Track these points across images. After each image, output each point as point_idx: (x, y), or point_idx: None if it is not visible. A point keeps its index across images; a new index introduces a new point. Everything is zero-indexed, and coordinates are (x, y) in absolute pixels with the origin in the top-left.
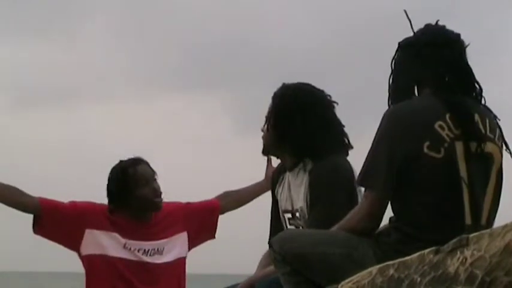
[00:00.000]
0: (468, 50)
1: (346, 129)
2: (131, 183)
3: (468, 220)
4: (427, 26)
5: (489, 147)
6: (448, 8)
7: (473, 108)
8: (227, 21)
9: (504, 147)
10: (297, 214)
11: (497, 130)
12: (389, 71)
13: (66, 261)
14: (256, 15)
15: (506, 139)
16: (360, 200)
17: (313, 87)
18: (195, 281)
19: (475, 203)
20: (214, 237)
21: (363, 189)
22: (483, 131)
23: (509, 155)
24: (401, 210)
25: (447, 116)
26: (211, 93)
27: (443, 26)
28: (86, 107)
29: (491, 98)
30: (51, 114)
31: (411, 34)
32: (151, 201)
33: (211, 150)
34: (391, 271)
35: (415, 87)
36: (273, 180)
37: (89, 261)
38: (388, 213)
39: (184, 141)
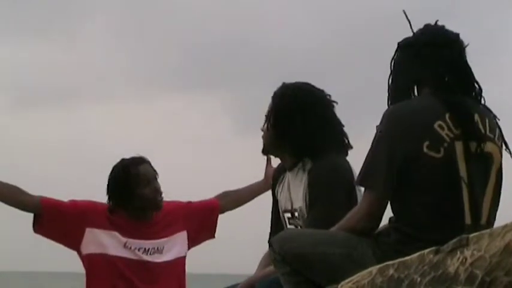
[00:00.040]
0: (468, 50)
1: (346, 129)
2: (133, 182)
3: (468, 220)
4: (427, 26)
5: (489, 147)
6: (447, 8)
7: (473, 108)
8: (227, 21)
9: (504, 147)
10: (296, 214)
11: (497, 130)
12: (389, 71)
13: (66, 261)
14: (256, 15)
15: (506, 139)
16: (359, 199)
17: (313, 86)
18: (195, 281)
19: (474, 202)
20: (214, 236)
21: (362, 189)
22: (483, 130)
23: (509, 155)
24: (401, 210)
25: (447, 115)
26: (211, 93)
27: (443, 26)
28: (86, 107)
29: (491, 98)
30: (51, 114)
31: (411, 34)
32: (153, 200)
33: (211, 150)
34: (391, 271)
35: (415, 87)
36: (273, 180)
37: (89, 260)
38: (388, 213)
39: (184, 141)
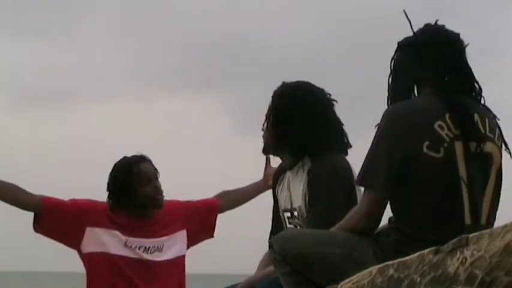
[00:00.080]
0: (468, 50)
1: (346, 130)
2: (134, 180)
3: (468, 220)
4: (427, 25)
5: (488, 147)
6: (448, 7)
7: (472, 108)
8: (227, 21)
9: (504, 147)
10: (296, 213)
11: (497, 130)
12: (389, 72)
13: (66, 261)
14: (256, 15)
15: (506, 139)
16: (359, 199)
17: (313, 85)
18: (195, 281)
19: (474, 202)
20: (213, 236)
21: (362, 188)
22: (483, 130)
23: (508, 155)
24: (401, 210)
25: (447, 115)
26: (211, 93)
27: (443, 26)
28: (86, 107)
29: (491, 98)
30: (51, 114)
31: (411, 34)
32: (154, 198)
33: (211, 150)
34: (391, 271)
35: (415, 87)
36: (274, 180)
37: (90, 259)
38: (388, 213)
39: (184, 141)
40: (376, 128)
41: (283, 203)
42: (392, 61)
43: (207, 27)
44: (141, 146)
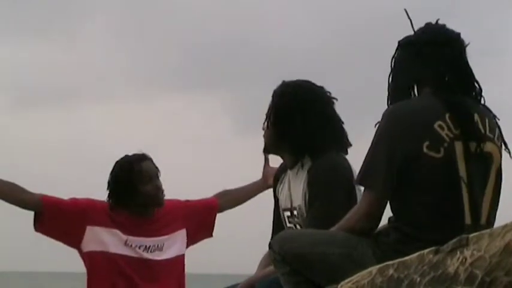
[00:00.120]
0: (468, 50)
1: (346, 129)
2: (135, 179)
3: (468, 220)
4: (428, 24)
5: (488, 147)
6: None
7: (473, 108)
8: (227, 21)
9: (503, 147)
10: (295, 212)
11: (497, 130)
12: (389, 71)
13: (66, 261)
14: (256, 15)
15: (506, 139)
16: (359, 199)
17: (313, 84)
18: (194, 281)
19: (474, 202)
20: (211, 235)
21: (362, 188)
22: (483, 130)
23: (508, 155)
24: (401, 210)
25: (447, 115)
26: (211, 93)
27: (444, 25)
28: (86, 107)
29: (491, 98)
30: (51, 114)
31: (411, 33)
32: (155, 197)
33: (211, 150)
34: (391, 271)
35: (415, 87)
36: (275, 179)
37: (90, 258)
38: (388, 213)
39: (184, 141)
40: (376, 127)
41: (284, 202)
42: (393, 60)
43: (207, 27)
44: (141, 146)
